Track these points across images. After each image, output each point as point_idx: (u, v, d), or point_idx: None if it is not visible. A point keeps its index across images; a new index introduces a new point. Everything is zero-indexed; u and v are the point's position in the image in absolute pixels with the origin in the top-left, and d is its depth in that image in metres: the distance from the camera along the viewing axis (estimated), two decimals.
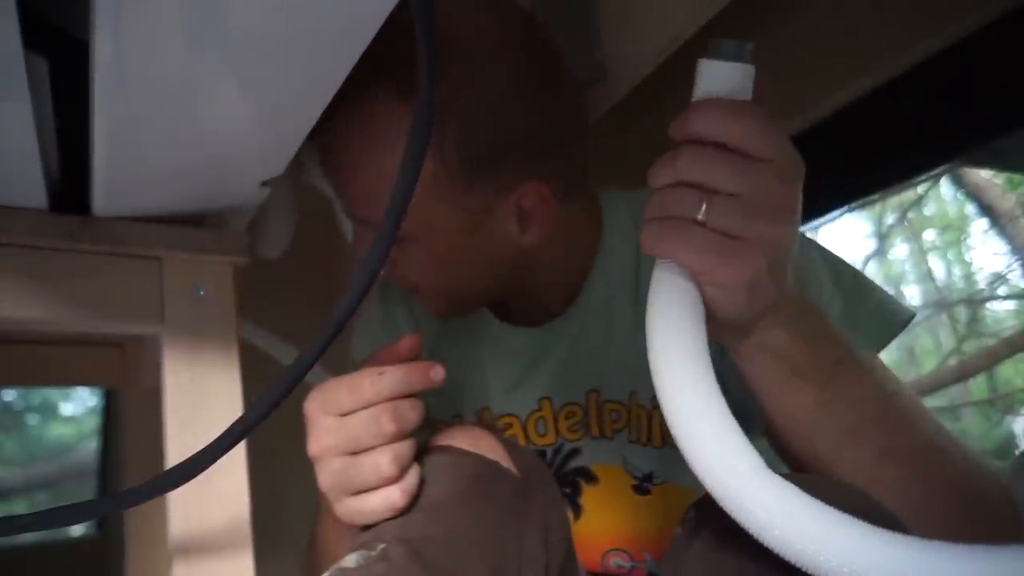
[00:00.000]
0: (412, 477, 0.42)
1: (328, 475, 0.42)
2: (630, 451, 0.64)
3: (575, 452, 0.67)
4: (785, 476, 0.40)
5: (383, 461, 0.40)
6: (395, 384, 0.41)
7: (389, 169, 0.47)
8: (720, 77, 0.39)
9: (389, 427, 0.40)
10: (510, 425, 0.69)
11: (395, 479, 0.41)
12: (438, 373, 0.43)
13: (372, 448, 0.41)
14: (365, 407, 0.41)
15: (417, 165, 0.36)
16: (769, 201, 0.37)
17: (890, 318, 0.56)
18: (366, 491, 0.41)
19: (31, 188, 0.45)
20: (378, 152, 0.53)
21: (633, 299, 0.64)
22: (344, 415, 0.42)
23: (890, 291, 0.59)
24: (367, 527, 0.42)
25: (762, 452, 0.34)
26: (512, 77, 0.53)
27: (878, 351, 0.55)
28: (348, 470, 0.41)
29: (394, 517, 0.42)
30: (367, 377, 0.41)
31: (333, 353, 0.42)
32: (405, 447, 0.42)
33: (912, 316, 0.56)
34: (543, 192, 0.56)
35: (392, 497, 0.41)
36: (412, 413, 0.42)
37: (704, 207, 0.37)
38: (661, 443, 0.63)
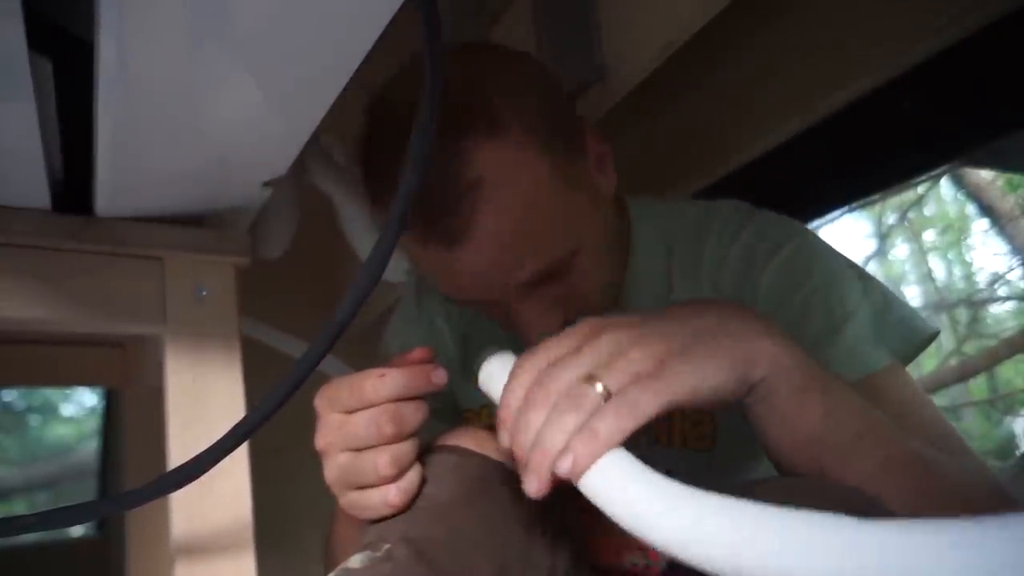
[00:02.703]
0: (412, 476, 0.43)
1: (332, 469, 0.43)
2: (650, 452, 0.65)
3: None
4: (779, 479, 0.40)
5: (381, 461, 0.41)
6: (395, 386, 0.42)
7: (546, 204, 0.52)
8: (502, 367, 0.40)
9: (388, 428, 0.41)
10: None
11: (393, 479, 0.42)
12: (440, 376, 0.43)
13: (373, 447, 0.42)
14: (366, 407, 0.42)
15: (421, 166, 0.36)
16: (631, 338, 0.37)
17: (915, 332, 0.55)
18: (367, 487, 0.42)
19: (34, 188, 0.45)
20: (531, 195, 0.52)
21: (666, 303, 0.64)
22: (348, 413, 0.42)
23: None
24: (375, 521, 0.43)
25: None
26: (538, 65, 0.59)
27: (905, 364, 0.55)
28: (350, 466, 0.42)
29: (395, 514, 0.42)
30: (369, 378, 0.42)
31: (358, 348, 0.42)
32: (405, 448, 0.42)
33: (936, 332, 0.56)
34: (593, 130, 0.60)
35: (389, 495, 0.42)
36: (413, 415, 0.42)
37: (597, 384, 0.35)
38: (682, 445, 0.64)
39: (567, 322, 0.55)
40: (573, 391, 0.35)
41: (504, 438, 0.37)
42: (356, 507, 0.43)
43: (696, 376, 0.35)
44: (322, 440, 0.43)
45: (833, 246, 0.61)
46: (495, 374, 0.41)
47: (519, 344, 0.72)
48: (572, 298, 0.57)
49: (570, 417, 0.34)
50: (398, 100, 0.55)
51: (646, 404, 0.34)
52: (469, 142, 0.50)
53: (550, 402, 0.35)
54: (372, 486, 0.42)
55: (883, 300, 0.57)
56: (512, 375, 0.37)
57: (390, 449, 0.42)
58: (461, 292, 0.57)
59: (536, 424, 0.35)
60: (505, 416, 0.37)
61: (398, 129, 0.52)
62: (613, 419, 0.33)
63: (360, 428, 0.41)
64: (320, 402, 0.44)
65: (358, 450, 0.42)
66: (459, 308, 0.78)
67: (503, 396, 0.37)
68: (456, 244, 0.51)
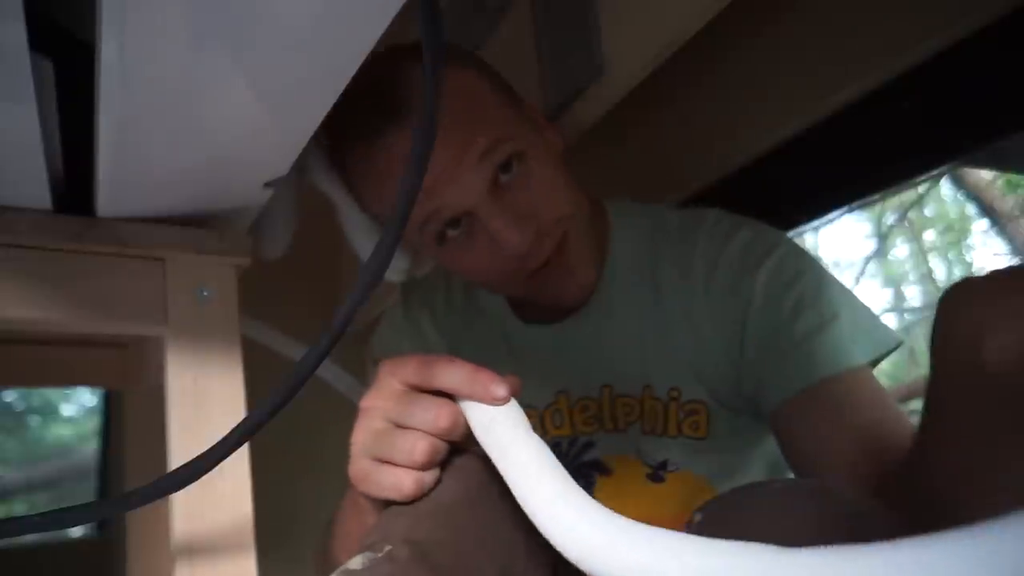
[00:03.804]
0: (431, 475, 0.41)
1: (364, 431, 0.42)
2: (644, 441, 0.67)
3: (589, 445, 0.70)
4: (781, 482, 0.41)
5: (420, 447, 0.40)
6: (461, 379, 0.40)
7: (486, 98, 0.61)
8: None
9: (443, 423, 0.40)
10: (529, 416, 0.72)
11: (419, 468, 0.41)
12: (500, 391, 0.39)
13: (415, 430, 0.40)
14: (429, 387, 0.41)
15: (422, 165, 0.36)
16: None
17: (885, 341, 0.59)
18: (388, 464, 0.41)
19: (35, 189, 0.45)
20: (473, 89, 0.61)
21: (652, 299, 0.68)
22: (409, 386, 0.41)
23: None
24: (387, 504, 0.43)
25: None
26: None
27: (872, 367, 0.59)
28: (384, 436, 0.41)
29: (395, 503, 0.42)
30: (440, 361, 0.41)
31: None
32: (442, 446, 0.41)
33: (900, 343, 0.60)
34: (533, 105, 0.69)
35: (405, 483, 0.40)
36: (464, 425, 0.41)
37: None
38: (676, 432, 0.67)
39: (539, 235, 0.61)
40: None
41: None
42: (367, 478, 0.42)
43: None
44: (370, 400, 0.42)
45: (813, 258, 0.66)
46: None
47: (512, 334, 0.74)
48: (539, 214, 0.61)
49: None
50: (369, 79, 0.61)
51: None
52: (416, 61, 0.58)
53: None
54: (394, 465, 0.41)
55: (858, 308, 0.61)
56: None
57: (433, 440, 0.40)
58: (429, 192, 0.58)
59: None
60: None
61: (368, 98, 0.60)
62: None
63: (418, 408, 0.40)
64: (386, 365, 0.42)
65: (399, 426, 0.41)
66: (444, 312, 0.80)
67: None
68: (410, 123, 0.58)
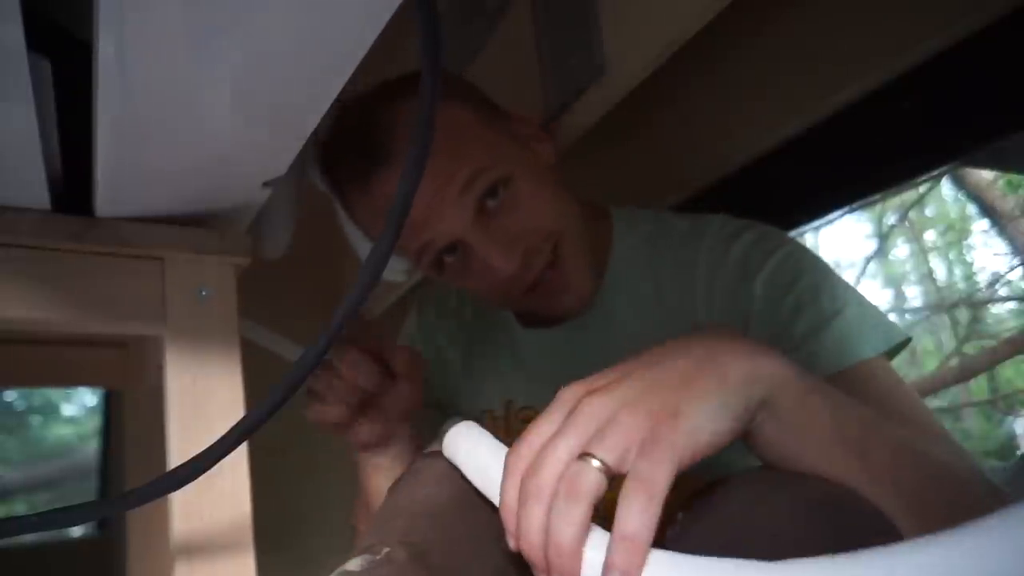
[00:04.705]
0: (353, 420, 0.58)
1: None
2: None
3: None
4: (762, 471, 0.41)
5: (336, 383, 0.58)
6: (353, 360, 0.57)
7: (469, 128, 0.62)
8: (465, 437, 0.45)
9: (346, 367, 0.57)
10: (531, 416, 0.73)
11: (336, 402, 0.58)
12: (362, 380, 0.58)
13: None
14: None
15: (420, 167, 0.36)
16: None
17: (894, 334, 0.58)
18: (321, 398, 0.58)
19: (34, 189, 0.45)
20: (456, 121, 0.62)
21: (654, 304, 0.68)
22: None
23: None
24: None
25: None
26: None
27: (887, 360, 0.58)
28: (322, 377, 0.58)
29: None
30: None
31: None
32: (354, 388, 0.58)
33: (909, 338, 0.59)
34: (522, 118, 0.70)
35: (330, 412, 0.58)
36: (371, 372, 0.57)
37: (592, 460, 0.33)
38: None
39: (528, 253, 0.62)
40: (570, 474, 0.33)
41: (510, 542, 0.34)
42: (312, 413, 0.59)
43: (696, 426, 0.34)
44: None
45: (817, 256, 0.65)
46: (459, 444, 0.44)
47: (515, 338, 0.75)
48: (527, 234, 0.63)
49: (576, 507, 0.32)
50: (362, 104, 0.65)
51: (661, 477, 0.32)
52: (398, 100, 0.63)
53: (548, 491, 0.33)
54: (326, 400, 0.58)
55: (864, 305, 0.60)
56: (506, 469, 0.36)
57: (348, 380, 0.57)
58: (418, 227, 0.61)
59: (539, 518, 0.32)
60: (507, 517, 0.34)
61: (357, 124, 0.63)
62: (639, 514, 0.31)
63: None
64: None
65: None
66: (457, 323, 0.82)
67: (502, 497, 0.35)
68: (396, 164, 0.60)
